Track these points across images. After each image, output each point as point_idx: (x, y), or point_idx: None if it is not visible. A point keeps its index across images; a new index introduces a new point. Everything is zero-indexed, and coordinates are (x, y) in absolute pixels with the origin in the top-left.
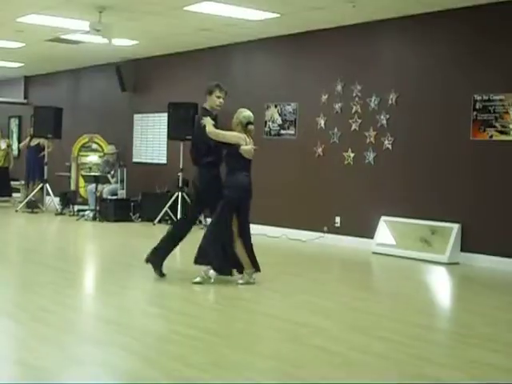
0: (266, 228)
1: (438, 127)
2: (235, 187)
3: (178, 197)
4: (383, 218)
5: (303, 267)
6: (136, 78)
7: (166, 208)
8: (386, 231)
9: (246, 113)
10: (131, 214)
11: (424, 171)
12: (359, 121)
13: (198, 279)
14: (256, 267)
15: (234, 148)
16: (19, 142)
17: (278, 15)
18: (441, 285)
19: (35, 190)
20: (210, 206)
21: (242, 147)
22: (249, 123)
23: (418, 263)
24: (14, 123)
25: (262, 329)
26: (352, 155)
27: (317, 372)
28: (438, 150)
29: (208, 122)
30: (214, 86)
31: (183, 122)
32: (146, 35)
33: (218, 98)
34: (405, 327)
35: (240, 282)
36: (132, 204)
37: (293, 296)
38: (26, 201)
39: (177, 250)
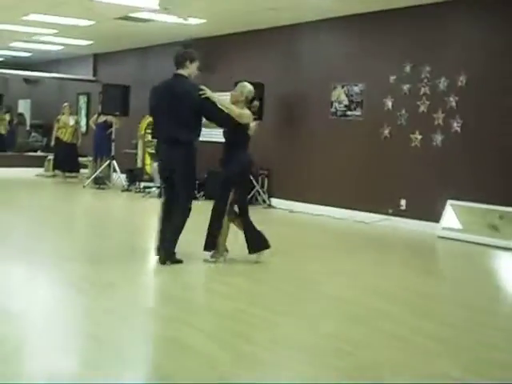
0: (331, 209)
1: (507, 109)
2: (240, 164)
3: None
4: (450, 201)
5: (367, 249)
6: (203, 56)
7: None
8: (452, 215)
9: (250, 87)
10: (196, 191)
11: (493, 155)
12: (427, 103)
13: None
14: (265, 245)
15: (240, 125)
16: (87, 118)
17: None
18: (508, 271)
19: (102, 167)
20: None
21: (252, 126)
22: (254, 98)
23: (485, 248)
24: (82, 100)
25: (324, 309)
26: (419, 137)
27: (380, 354)
28: (507, 133)
29: (214, 96)
30: (196, 55)
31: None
32: (214, 14)
33: (197, 68)
34: (471, 313)
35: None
36: (197, 182)
37: (357, 278)
38: (93, 177)
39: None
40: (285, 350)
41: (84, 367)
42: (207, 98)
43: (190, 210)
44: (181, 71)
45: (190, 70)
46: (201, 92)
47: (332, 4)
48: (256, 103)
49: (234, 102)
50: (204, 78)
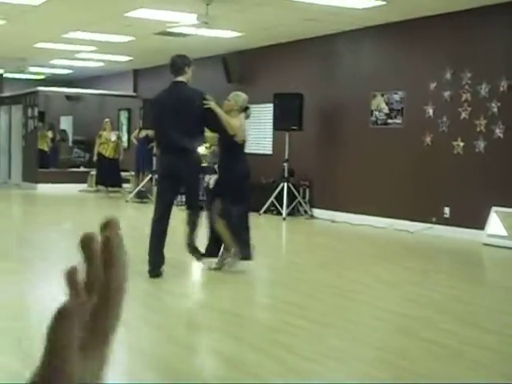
0: (371, 218)
1: None
2: (234, 174)
3: (283, 187)
4: (494, 208)
5: (411, 258)
6: (242, 69)
7: (271, 198)
8: (497, 222)
9: (244, 96)
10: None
11: None
12: (469, 109)
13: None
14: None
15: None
16: (129, 134)
17: (384, 2)
18: None
19: (145, 181)
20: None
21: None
22: (247, 107)
23: None
24: (123, 115)
25: (369, 319)
26: (461, 144)
27: (426, 364)
28: None
29: (216, 107)
30: (191, 60)
31: (288, 113)
32: (252, 26)
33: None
34: None
35: (213, 266)
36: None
37: (400, 287)
38: (135, 191)
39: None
40: (329, 361)
41: (127, 379)
42: (210, 109)
43: (199, 216)
44: (180, 78)
45: (188, 75)
46: (205, 102)
47: (369, 13)
48: (249, 112)
49: (228, 111)
50: (242, 90)
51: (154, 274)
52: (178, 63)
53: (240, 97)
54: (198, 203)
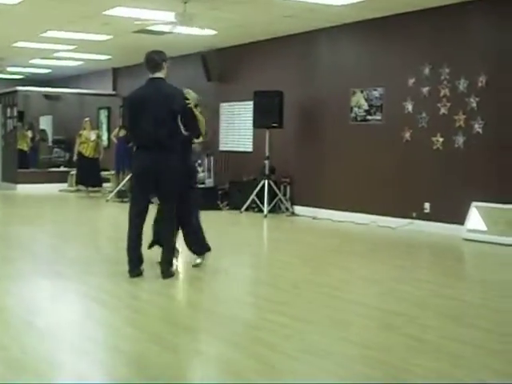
0: (353, 215)
1: None
2: (192, 172)
3: (264, 184)
4: (474, 203)
5: (392, 254)
6: (221, 66)
7: (253, 196)
8: (477, 217)
9: (194, 93)
10: (219, 202)
11: None
12: (448, 104)
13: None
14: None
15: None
16: (109, 132)
17: None
18: None
19: (125, 180)
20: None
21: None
22: (197, 105)
23: (511, 249)
24: (103, 114)
25: (351, 316)
26: (441, 140)
27: (409, 360)
28: None
29: (194, 108)
30: (167, 56)
31: (269, 110)
32: (230, 24)
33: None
34: (498, 315)
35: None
36: (219, 192)
37: (382, 283)
38: (116, 190)
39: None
40: (312, 359)
41: (109, 379)
42: (190, 108)
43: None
44: (158, 74)
45: (165, 70)
46: (187, 101)
47: (347, 10)
48: (200, 108)
49: None
50: (222, 88)
51: (133, 274)
52: (156, 59)
53: (190, 94)
54: (172, 210)
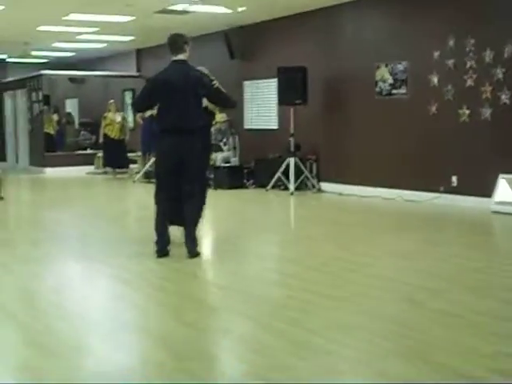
0: (380, 190)
1: None
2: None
3: (289, 162)
4: (502, 175)
5: (419, 229)
6: (244, 44)
7: (278, 173)
8: (505, 189)
9: (207, 70)
10: (245, 180)
11: None
12: (474, 76)
13: None
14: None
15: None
16: (134, 114)
17: None
18: None
19: (151, 161)
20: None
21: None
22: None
23: None
24: (128, 96)
25: (378, 291)
26: (467, 112)
27: (436, 334)
28: None
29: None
30: (189, 38)
31: (293, 87)
32: (253, 1)
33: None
34: None
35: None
36: (245, 171)
37: (409, 258)
38: (142, 171)
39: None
40: (339, 336)
41: (139, 362)
42: (217, 88)
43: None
44: (180, 56)
45: (187, 53)
46: (213, 82)
47: None
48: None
49: None
50: (245, 66)
51: (161, 254)
52: (179, 42)
53: (205, 71)
54: (203, 192)
